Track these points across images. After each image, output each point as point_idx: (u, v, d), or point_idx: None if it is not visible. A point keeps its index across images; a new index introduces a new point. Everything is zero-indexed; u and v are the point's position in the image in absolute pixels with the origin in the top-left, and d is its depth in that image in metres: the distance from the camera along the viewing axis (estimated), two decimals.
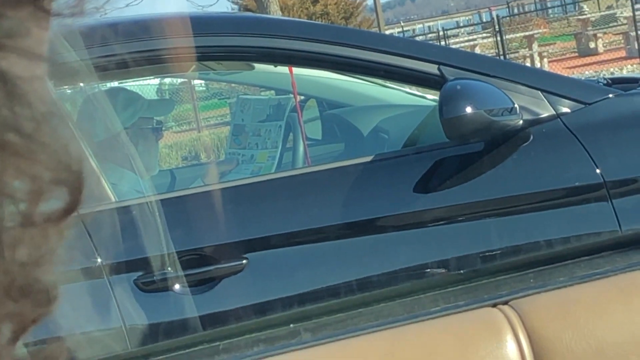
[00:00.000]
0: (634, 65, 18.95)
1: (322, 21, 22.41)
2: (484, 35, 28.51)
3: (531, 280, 1.78)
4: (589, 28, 25.45)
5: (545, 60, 23.36)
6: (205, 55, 4.17)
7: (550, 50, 25.99)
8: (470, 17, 42.17)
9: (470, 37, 28.28)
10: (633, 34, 20.68)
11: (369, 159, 3.93)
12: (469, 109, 3.65)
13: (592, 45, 24.70)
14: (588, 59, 23.39)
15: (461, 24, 37.80)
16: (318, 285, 3.54)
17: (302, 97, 5.04)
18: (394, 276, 3.56)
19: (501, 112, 3.76)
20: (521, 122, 3.76)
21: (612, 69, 19.07)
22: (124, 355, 2.24)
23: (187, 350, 1.75)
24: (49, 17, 0.46)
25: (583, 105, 3.88)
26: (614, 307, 1.59)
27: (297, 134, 4.94)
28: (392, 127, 4.66)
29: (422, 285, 2.05)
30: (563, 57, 25.58)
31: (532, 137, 3.77)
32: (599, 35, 24.96)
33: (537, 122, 3.82)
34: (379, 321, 1.66)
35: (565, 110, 3.85)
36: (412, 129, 4.34)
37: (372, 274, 3.59)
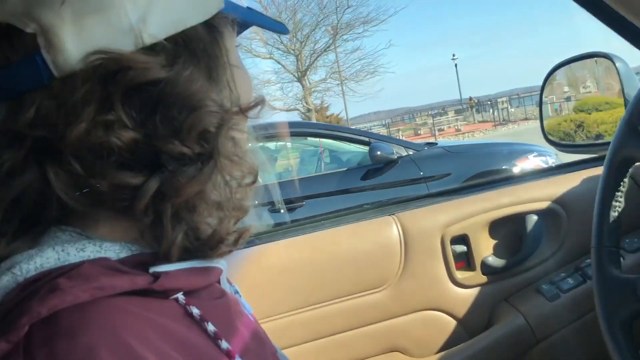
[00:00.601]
0: (432, 139, 22.88)
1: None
2: (383, 129, 31.61)
3: (402, 207, 1.51)
4: (420, 126, 31.01)
5: (404, 136, 26.76)
6: (292, 133, 5.05)
7: (407, 133, 30.10)
8: (380, 122, 44.45)
9: (378, 130, 32.16)
10: (433, 128, 25.72)
11: (345, 169, 4.97)
12: (378, 152, 4.74)
13: (419, 132, 29.70)
14: (418, 137, 27.54)
15: (374, 125, 40.82)
16: (326, 210, 4.17)
17: (324, 148, 5.24)
18: (354, 210, 3.90)
19: (389, 153, 4.77)
20: (396, 157, 4.81)
21: (426, 140, 22.88)
22: (269, 230, 1.61)
23: (285, 229, 1.54)
24: (247, 118, 0.60)
25: (417, 151, 4.95)
26: (438, 211, 1.43)
27: (320, 161, 5.25)
28: (353, 158, 5.10)
29: (361, 210, 1.68)
30: (410, 136, 28.89)
31: (399, 162, 4.81)
32: (422, 129, 30.22)
33: (401, 157, 4.84)
34: (345, 221, 1.48)
35: (411, 152, 4.90)
36: (360, 159, 5.00)
37: (345, 207, 4.07)
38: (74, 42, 0.50)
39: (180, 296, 0.55)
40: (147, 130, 0.51)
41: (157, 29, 0.52)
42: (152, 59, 0.51)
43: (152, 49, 0.52)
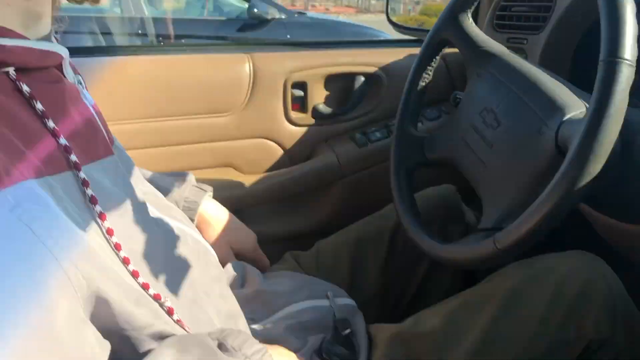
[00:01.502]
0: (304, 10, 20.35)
1: None
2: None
3: (257, 49, 1.34)
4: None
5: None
6: None
7: (285, 2, 25.46)
8: None
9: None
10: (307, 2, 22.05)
11: (224, 18, 4.51)
12: (255, 10, 4.32)
13: (295, 3, 25.06)
14: (294, 7, 23.92)
15: None
16: None
17: None
18: (216, 42, 3.01)
19: (265, 13, 4.37)
20: (269, 17, 4.38)
21: (299, 10, 20.54)
22: (135, 45, 1.27)
23: (149, 46, 1.28)
24: None
25: (288, 16, 4.57)
26: (286, 57, 1.33)
27: (204, 8, 4.69)
28: (234, 11, 4.58)
29: (222, 43, 1.57)
30: (287, 5, 25.11)
31: (272, 23, 4.39)
32: (298, 1, 25.81)
33: (274, 19, 4.44)
34: (205, 51, 1.33)
35: (284, 16, 4.52)
36: (239, 12, 4.50)
37: None
38: None
39: (11, 71, 0.49)
40: None
41: None
42: None
43: None
